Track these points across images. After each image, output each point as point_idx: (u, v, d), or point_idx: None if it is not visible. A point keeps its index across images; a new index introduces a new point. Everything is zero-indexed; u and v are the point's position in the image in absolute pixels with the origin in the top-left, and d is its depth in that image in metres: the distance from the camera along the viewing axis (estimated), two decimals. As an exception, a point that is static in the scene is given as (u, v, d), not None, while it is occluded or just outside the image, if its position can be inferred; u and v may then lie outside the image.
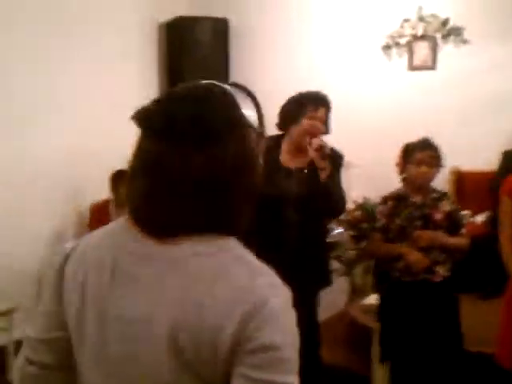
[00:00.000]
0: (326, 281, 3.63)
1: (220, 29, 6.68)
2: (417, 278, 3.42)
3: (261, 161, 1.27)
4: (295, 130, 3.46)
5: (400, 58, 6.18)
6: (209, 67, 6.58)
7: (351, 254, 4.93)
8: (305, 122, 3.41)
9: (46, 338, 1.30)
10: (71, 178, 5.73)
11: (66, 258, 1.30)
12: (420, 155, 3.42)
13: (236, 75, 6.70)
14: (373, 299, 4.01)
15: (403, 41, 6.14)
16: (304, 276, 3.28)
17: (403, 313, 3.46)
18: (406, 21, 6.10)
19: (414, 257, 3.38)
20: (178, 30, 6.62)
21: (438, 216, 3.46)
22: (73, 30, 5.73)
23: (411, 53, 6.13)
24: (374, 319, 3.74)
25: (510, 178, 3.42)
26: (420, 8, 6.03)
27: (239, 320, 1.09)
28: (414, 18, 6.08)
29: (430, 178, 3.47)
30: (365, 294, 4.57)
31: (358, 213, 5.07)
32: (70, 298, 1.26)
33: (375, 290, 3.80)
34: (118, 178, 5.45)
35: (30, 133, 5.38)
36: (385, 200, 3.57)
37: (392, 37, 6.17)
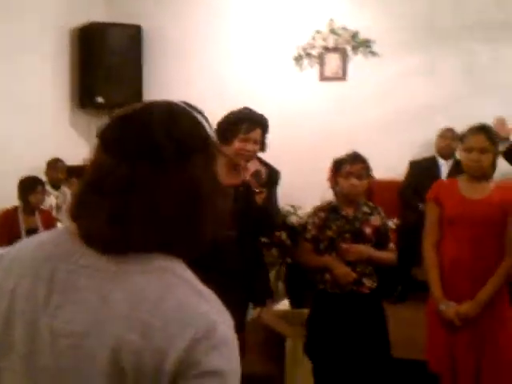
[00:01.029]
0: (263, 295, 3.65)
1: (133, 35, 6.65)
2: (344, 290, 3.48)
3: (220, 184, 1.24)
4: (228, 151, 3.37)
5: (311, 69, 6.30)
6: (122, 73, 6.54)
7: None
8: (237, 145, 3.33)
9: None
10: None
11: None
12: (349, 168, 3.46)
13: (149, 82, 6.69)
14: (285, 305, 4.05)
15: (315, 52, 6.27)
16: (241, 292, 3.27)
17: (331, 324, 3.48)
18: (318, 32, 6.23)
19: (341, 270, 3.42)
20: (91, 36, 6.56)
21: (368, 230, 3.49)
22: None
23: (322, 64, 6.26)
24: (287, 325, 3.77)
25: (435, 184, 3.51)
26: (331, 20, 6.17)
27: (187, 344, 1.06)
28: (325, 29, 6.22)
29: (360, 190, 3.52)
30: (276, 299, 4.61)
31: (282, 234, 4.98)
32: None
33: (288, 296, 3.84)
34: (26, 185, 5.34)
35: None
36: (316, 211, 3.60)
37: (304, 48, 6.29)
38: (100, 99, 6.46)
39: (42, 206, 5.48)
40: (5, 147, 5.67)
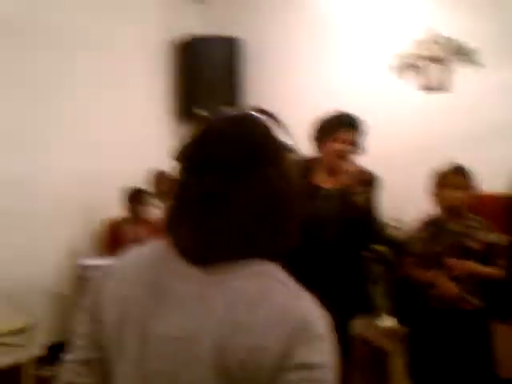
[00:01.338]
0: (363, 307, 3.64)
1: (232, 48, 6.74)
2: (447, 306, 3.41)
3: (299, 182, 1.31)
4: (325, 152, 3.44)
5: (411, 80, 6.22)
6: (222, 86, 6.63)
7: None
8: (330, 145, 3.40)
9: (85, 359, 1.32)
10: (84, 199, 5.78)
11: (103, 277, 1.34)
12: (451, 180, 3.41)
13: (249, 94, 6.76)
14: (389, 322, 4.02)
15: (414, 61, 6.18)
16: (340, 300, 3.23)
17: (434, 340, 3.43)
18: (418, 41, 6.14)
19: (446, 286, 3.36)
20: (192, 49, 6.67)
21: (475, 245, 3.42)
22: (82, 53, 5.78)
23: (422, 74, 6.16)
24: (392, 342, 3.74)
25: None
26: (433, 29, 6.07)
27: (283, 340, 1.13)
28: (425, 38, 6.12)
29: (463, 202, 3.44)
30: (380, 315, 4.56)
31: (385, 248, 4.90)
32: (108, 315, 1.28)
33: (394, 313, 3.79)
34: (132, 196, 5.51)
35: (43, 157, 5.44)
36: (422, 225, 3.53)
37: (403, 57, 6.21)
38: (201, 111, 6.57)
39: (147, 217, 5.64)
40: (110, 159, 5.87)
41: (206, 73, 6.63)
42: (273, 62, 6.78)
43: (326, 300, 1.24)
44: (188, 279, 1.21)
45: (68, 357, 1.34)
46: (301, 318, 1.16)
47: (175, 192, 1.27)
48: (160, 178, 5.96)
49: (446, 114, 6.03)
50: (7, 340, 4.82)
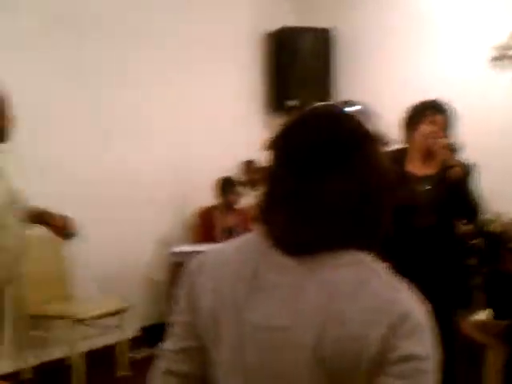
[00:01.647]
0: (463, 300, 3.56)
1: (324, 39, 6.72)
2: None
3: (391, 171, 1.30)
4: (416, 137, 3.45)
5: (509, 70, 6.06)
6: (314, 77, 6.64)
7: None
8: (423, 128, 3.41)
9: (182, 347, 1.33)
10: (177, 187, 5.89)
11: (198, 267, 1.35)
12: None
13: (340, 85, 6.73)
14: (484, 315, 3.94)
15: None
16: (439, 292, 3.12)
17: None
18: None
19: None
20: (283, 40, 6.71)
21: None
22: (174, 45, 5.90)
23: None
24: (487, 336, 3.67)
25: None
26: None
27: (384, 331, 1.12)
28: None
29: None
30: (475, 308, 4.47)
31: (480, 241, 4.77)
32: (204, 305, 1.29)
33: (488, 306, 3.72)
34: (224, 184, 5.58)
35: (132, 145, 5.57)
36: None
37: (502, 48, 6.05)
38: (292, 102, 6.59)
39: (237, 206, 5.71)
40: (203, 149, 5.96)
41: (298, 64, 6.65)
42: (366, 53, 6.72)
43: (426, 292, 1.24)
44: (284, 270, 1.21)
45: (165, 345, 1.37)
46: (402, 310, 1.15)
47: (267, 183, 1.28)
48: (250, 167, 6.02)
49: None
50: (103, 322, 4.97)
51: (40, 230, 3.74)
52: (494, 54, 6.07)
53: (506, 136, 5.84)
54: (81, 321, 4.72)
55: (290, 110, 6.65)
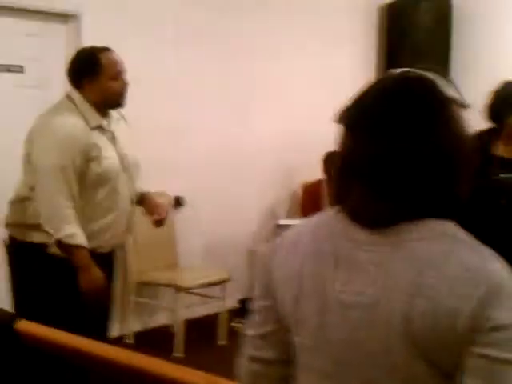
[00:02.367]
0: None
1: (442, 11, 6.48)
2: None
3: (470, 136, 1.25)
4: (506, 124, 3.26)
5: None
6: (430, 49, 6.42)
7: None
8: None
9: (263, 332, 1.33)
10: (285, 160, 5.90)
11: (274, 250, 1.35)
12: None
13: (457, 59, 6.48)
14: None
15: None
16: None
17: None
18: None
19: None
20: (399, 13, 6.52)
21: None
22: (288, 16, 5.86)
23: None
24: None
25: None
26: None
27: (475, 302, 1.09)
28: None
29: None
30: None
31: None
32: (283, 288, 1.29)
33: None
34: (330, 159, 5.53)
35: (250, 119, 5.60)
36: None
37: None
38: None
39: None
40: (311, 122, 5.91)
41: (414, 36, 6.45)
42: (485, 24, 6.42)
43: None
44: (367, 246, 1.19)
45: (248, 332, 1.37)
46: (491, 280, 1.11)
47: (340, 156, 1.24)
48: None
49: None
50: (206, 291, 5.08)
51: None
52: None
53: None
54: (184, 289, 4.83)
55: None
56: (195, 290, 5.01)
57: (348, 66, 6.38)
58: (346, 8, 6.37)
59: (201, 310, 5.25)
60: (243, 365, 1.38)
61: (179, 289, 4.80)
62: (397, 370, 1.15)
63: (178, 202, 5.33)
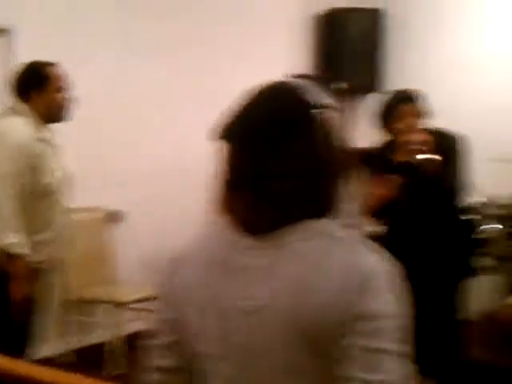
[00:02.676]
0: (465, 271, 3.56)
1: (374, 20, 6.59)
2: None
3: (345, 139, 1.32)
4: (395, 132, 3.44)
5: None
6: (364, 59, 6.53)
7: (504, 250, 4.70)
8: (396, 126, 3.41)
9: (164, 343, 1.37)
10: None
11: (173, 265, 1.40)
12: None
13: (391, 68, 6.59)
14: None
15: None
16: (438, 266, 3.34)
17: None
18: None
19: None
20: (333, 22, 6.59)
21: None
22: (223, 27, 5.88)
23: None
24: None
25: None
26: None
27: (353, 294, 1.17)
28: None
29: None
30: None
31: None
32: (183, 300, 1.33)
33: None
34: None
35: (188, 131, 5.52)
36: None
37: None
38: (342, 85, 6.48)
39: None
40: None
41: (347, 46, 6.54)
42: (416, 33, 6.56)
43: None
44: (253, 252, 1.25)
45: (150, 342, 1.40)
46: (366, 271, 1.19)
47: (224, 170, 1.31)
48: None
49: None
50: (146, 306, 4.99)
51: (82, 214, 3.81)
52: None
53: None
54: (122, 304, 4.76)
55: (339, 92, 6.56)
56: (135, 305, 4.93)
57: (282, 75, 6.40)
58: (281, 19, 6.40)
59: (141, 324, 5.17)
60: (144, 376, 1.40)
61: (117, 304, 4.73)
62: (293, 368, 1.21)
63: (116, 216, 5.27)
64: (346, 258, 1.21)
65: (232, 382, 1.29)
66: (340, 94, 6.69)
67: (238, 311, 1.25)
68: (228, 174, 1.29)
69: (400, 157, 3.37)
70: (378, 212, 3.41)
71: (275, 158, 1.23)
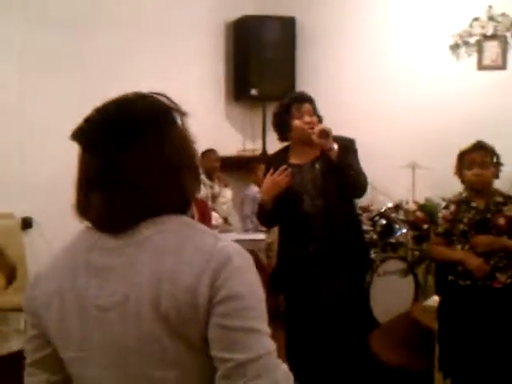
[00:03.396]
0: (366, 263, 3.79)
1: (286, 27, 6.69)
2: (476, 283, 3.39)
3: (192, 139, 1.39)
4: (294, 133, 3.56)
5: (469, 58, 6.08)
6: (275, 66, 6.60)
7: (414, 254, 4.89)
8: (296, 123, 3.51)
9: (38, 358, 1.38)
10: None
11: (34, 281, 1.38)
12: (471, 157, 3.40)
13: (302, 74, 6.70)
14: (435, 300, 3.95)
15: (472, 40, 6.04)
16: (342, 262, 3.48)
17: (461, 317, 3.43)
18: (476, 19, 6.00)
19: (474, 262, 3.35)
20: (245, 29, 6.66)
21: (502, 221, 3.39)
22: (134, 35, 5.81)
23: (480, 52, 6.02)
24: (435, 321, 3.70)
25: None
26: (490, 7, 5.92)
27: (209, 276, 1.21)
28: (483, 17, 5.98)
29: (486, 180, 3.42)
30: (429, 294, 4.51)
31: (419, 213, 5.03)
32: (47, 311, 1.33)
33: (436, 290, 3.77)
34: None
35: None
36: (447, 204, 3.55)
37: (461, 36, 6.08)
38: (254, 92, 6.56)
39: (197, 196, 5.65)
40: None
41: (259, 53, 6.62)
42: (328, 41, 6.72)
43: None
44: (114, 250, 1.28)
45: (26, 361, 1.41)
46: (223, 255, 1.24)
47: (77, 172, 1.33)
48: (208, 155, 5.97)
49: (503, 93, 5.89)
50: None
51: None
52: (455, 41, 6.09)
53: (464, 120, 5.85)
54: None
55: (251, 98, 6.63)
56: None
57: (197, 83, 6.42)
58: (192, 27, 6.40)
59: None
60: None
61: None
62: (165, 359, 1.24)
63: (26, 223, 5.15)
64: (204, 244, 1.26)
65: (100, 383, 1.31)
66: (251, 101, 6.77)
67: (100, 309, 1.26)
68: (80, 174, 1.32)
69: (298, 138, 3.54)
70: (269, 213, 3.51)
71: (124, 154, 1.26)
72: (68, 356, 1.33)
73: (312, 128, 3.45)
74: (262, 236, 5.42)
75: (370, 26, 6.51)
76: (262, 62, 6.60)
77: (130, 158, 1.26)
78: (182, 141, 1.36)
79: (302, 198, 3.49)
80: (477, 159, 3.39)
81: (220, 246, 1.26)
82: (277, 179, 3.42)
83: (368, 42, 6.52)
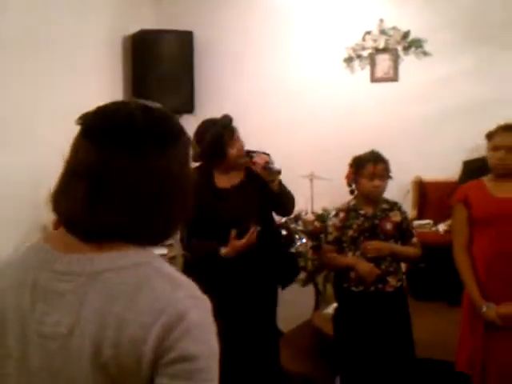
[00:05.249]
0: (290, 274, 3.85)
1: (185, 42, 6.68)
2: (368, 289, 3.48)
3: (192, 174, 1.33)
4: (230, 161, 3.53)
5: (362, 71, 6.26)
6: (174, 80, 6.58)
7: (313, 263, 4.98)
8: (232, 152, 3.49)
9: None
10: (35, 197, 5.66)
11: None
12: (373, 169, 3.48)
13: (201, 89, 6.73)
14: (334, 308, 4.04)
15: (365, 53, 6.22)
16: (266, 276, 3.54)
17: (356, 323, 3.53)
18: (368, 33, 6.19)
19: (364, 267, 3.45)
20: (143, 43, 6.61)
21: (388, 226, 3.52)
22: (31, 52, 5.66)
23: (373, 65, 6.21)
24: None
25: (462, 186, 3.51)
26: (381, 21, 6.12)
27: (159, 332, 1.12)
28: (375, 30, 6.17)
29: (382, 191, 3.55)
30: (329, 302, 4.61)
31: (317, 223, 5.14)
32: None
33: (335, 298, 3.85)
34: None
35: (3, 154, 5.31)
36: (337, 212, 3.63)
37: (354, 49, 6.25)
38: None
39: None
40: (59, 158, 5.75)
41: (158, 67, 6.57)
42: (227, 55, 6.77)
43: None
44: (64, 275, 1.20)
45: None
46: (177, 311, 1.14)
47: (66, 160, 1.29)
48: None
49: (395, 104, 6.10)
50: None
51: None
52: (348, 54, 6.26)
53: (359, 132, 6.01)
54: None
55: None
56: None
57: (94, 100, 6.29)
58: (89, 40, 6.29)
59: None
60: None
61: None
62: None
63: None
64: (161, 292, 1.16)
65: None
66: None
67: (42, 336, 1.20)
68: (71, 162, 1.26)
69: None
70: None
71: (124, 155, 1.19)
72: (6, 374, 1.25)
73: (251, 159, 3.47)
74: (164, 251, 5.40)
75: (267, 39, 6.60)
76: (160, 76, 6.55)
77: (134, 166, 1.19)
78: (186, 168, 1.30)
79: (229, 224, 3.46)
80: (378, 172, 3.49)
81: (175, 298, 1.16)
82: (248, 243, 3.40)
83: (265, 54, 6.61)
